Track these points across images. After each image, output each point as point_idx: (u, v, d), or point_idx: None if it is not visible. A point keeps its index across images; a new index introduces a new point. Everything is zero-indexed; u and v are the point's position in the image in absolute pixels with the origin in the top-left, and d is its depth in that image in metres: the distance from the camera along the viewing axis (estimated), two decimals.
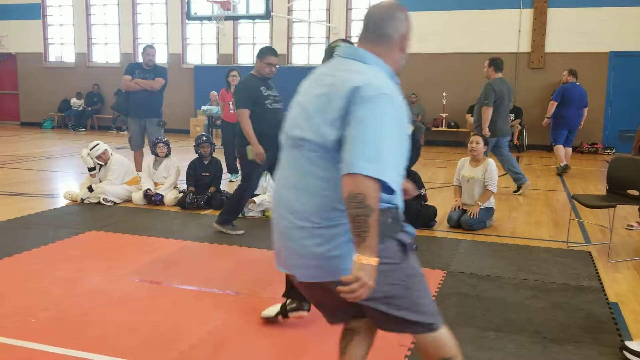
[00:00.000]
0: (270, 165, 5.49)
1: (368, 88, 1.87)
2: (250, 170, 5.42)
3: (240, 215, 6.11)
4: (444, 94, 13.75)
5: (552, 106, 9.35)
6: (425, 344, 2.11)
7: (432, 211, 5.92)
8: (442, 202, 6.75)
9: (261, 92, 5.31)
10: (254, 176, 5.47)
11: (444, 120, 13.92)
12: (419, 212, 5.77)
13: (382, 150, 1.81)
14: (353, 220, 1.79)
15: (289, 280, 3.45)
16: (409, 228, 2.07)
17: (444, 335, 2.10)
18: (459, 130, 13.93)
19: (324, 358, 3.03)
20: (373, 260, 1.80)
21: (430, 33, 13.84)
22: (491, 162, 5.90)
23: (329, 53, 3.59)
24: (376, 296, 1.91)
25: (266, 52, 5.47)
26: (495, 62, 7.37)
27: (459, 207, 5.94)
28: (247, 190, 5.55)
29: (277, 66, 5.47)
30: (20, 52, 17.47)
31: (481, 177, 5.87)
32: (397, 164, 1.90)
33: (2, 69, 17.80)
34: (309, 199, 1.96)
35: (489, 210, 5.95)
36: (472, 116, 13.37)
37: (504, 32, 13.37)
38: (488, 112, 7.38)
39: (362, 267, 1.78)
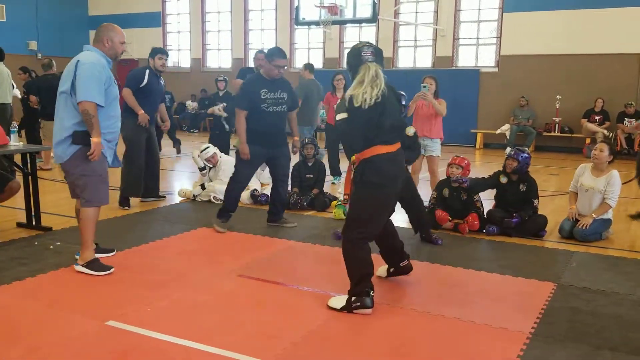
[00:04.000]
0: (268, 162, 5.72)
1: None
2: (238, 166, 5.61)
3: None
4: (558, 97, 13.10)
5: None
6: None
7: (542, 221, 5.66)
8: (553, 211, 6.43)
9: (259, 95, 5.37)
10: (240, 172, 5.60)
11: (556, 125, 13.26)
12: (528, 222, 5.56)
13: None
14: None
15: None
16: None
17: None
18: (573, 135, 13.22)
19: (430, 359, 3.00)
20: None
21: (541, 34, 13.27)
22: (615, 174, 5.52)
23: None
24: None
25: (275, 54, 5.40)
26: (310, 66, 8.91)
27: (574, 216, 5.63)
28: (234, 184, 5.65)
29: (285, 68, 5.48)
30: (143, 58, 18.39)
31: (602, 188, 5.51)
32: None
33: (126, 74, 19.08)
34: None
35: (606, 222, 5.58)
36: (588, 121, 12.72)
37: (628, 32, 12.51)
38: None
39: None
